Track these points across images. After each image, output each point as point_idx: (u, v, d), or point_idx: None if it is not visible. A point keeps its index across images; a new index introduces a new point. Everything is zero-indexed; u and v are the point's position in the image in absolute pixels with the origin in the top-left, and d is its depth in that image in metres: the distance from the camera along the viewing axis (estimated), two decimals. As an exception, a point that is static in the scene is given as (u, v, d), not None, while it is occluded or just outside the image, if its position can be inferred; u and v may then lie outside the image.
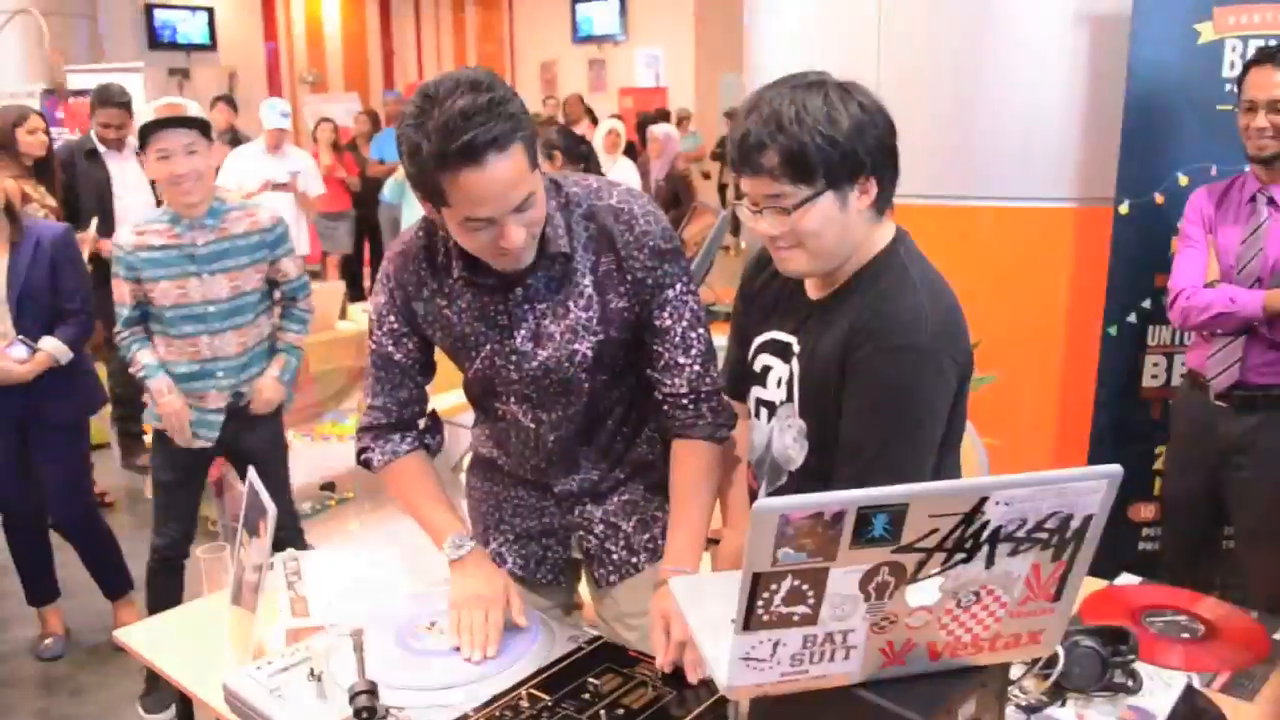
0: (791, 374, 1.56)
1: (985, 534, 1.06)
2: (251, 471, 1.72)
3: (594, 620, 1.88)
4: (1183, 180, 2.71)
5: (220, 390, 2.84)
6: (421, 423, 1.78)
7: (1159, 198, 2.72)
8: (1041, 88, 2.90)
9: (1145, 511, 2.88)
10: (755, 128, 1.39)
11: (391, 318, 1.65)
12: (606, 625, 1.82)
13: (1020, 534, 1.07)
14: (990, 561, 1.08)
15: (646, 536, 1.78)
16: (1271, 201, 2.34)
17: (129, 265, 2.73)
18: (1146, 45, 2.65)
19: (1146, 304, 2.78)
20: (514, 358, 1.61)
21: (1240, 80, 2.36)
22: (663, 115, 10.32)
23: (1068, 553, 1.10)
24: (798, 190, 1.39)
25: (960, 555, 1.07)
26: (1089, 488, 1.06)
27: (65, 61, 8.49)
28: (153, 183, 2.80)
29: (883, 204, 1.47)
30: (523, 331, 1.60)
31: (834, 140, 1.37)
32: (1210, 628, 1.64)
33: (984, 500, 1.04)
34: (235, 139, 6.63)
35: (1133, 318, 2.79)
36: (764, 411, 1.64)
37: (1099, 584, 1.77)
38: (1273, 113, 2.27)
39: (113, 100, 4.43)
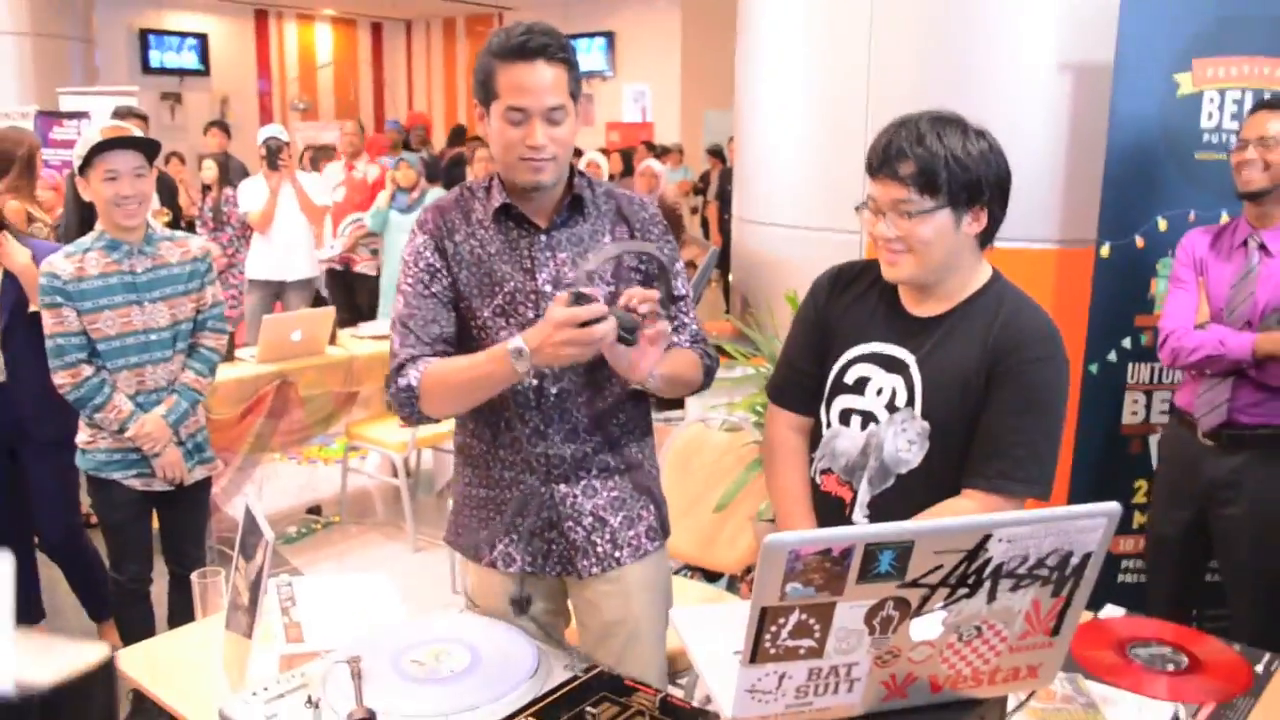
0: (910, 383, 1.66)
1: (988, 570, 1.09)
2: (249, 495, 1.73)
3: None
4: (1162, 225, 2.77)
5: None
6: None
7: (1139, 241, 2.78)
8: (1026, 133, 2.95)
9: (1124, 544, 2.91)
10: (898, 139, 1.59)
11: (428, 254, 1.80)
12: (589, 648, 1.88)
13: (1021, 570, 1.10)
14: (992, 597, 1.11)
15: (631, 534, 1.87)
16: (1263, 246, 2.38)
17: (69, 296, 2.62)
18: (1127, 95, 2.71)
19: (1126, 343, 2.83)
20: (533, 298, 1.77)
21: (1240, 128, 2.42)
22: (646, 149, 10.37)
23: (1067, 589, 1.13)
24: (923, 200, 1.57)
25: (963, 591, 1.09)
26: (1089, 525, 1.08)
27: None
28: (89, 204, 2.69)
29: (986, 238, 1.66)
30: (544, 274, 1.78)
31: (964, 165, 1.56)
32: (1194, 660, 1.66)
33: (987, 538, 1.06)
34: (228, 164, 6.64)
35: (1113, 356, 2.83)
36: (855, 419, 1.71)
37: (1085, 615, 1.79)
38: (1260, 147, 2.33)
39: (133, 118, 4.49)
